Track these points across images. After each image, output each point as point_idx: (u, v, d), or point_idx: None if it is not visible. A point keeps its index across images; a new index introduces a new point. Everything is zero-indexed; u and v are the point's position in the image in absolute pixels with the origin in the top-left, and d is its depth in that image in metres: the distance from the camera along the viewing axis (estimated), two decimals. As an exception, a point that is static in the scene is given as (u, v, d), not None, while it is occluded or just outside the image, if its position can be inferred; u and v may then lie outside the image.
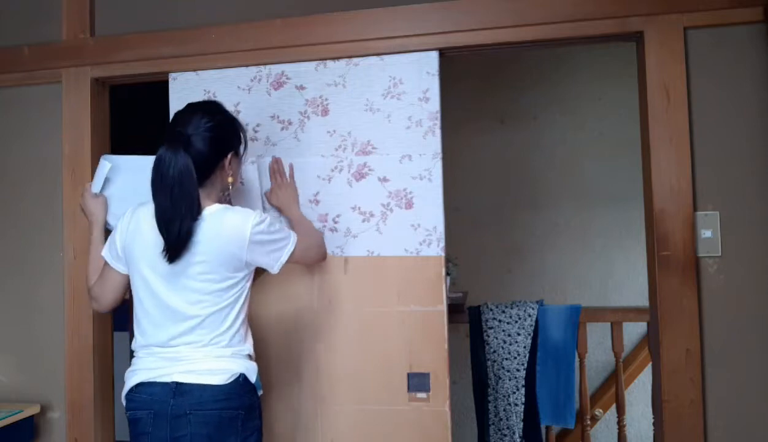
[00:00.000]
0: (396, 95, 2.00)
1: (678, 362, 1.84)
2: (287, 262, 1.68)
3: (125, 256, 1.66)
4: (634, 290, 3.59)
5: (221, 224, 1.57)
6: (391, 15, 2.01)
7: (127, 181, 1.86)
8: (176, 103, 2.13)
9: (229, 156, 1.65)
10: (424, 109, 1.98)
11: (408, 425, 1.95)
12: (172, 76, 2.15)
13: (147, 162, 1.61)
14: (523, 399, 2.69)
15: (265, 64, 2.08)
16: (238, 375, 1.59)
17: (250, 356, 1.67)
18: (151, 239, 1.58)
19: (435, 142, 1.97)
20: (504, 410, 2.70)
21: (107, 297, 1.73)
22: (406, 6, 2.00)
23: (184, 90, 2.13)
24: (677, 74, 1.86)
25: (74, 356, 2.16)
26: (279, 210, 1.97)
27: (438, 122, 1.97)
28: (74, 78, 2.21)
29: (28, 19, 2.30)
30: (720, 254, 1.84)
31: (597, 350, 3.52)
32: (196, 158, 1.55)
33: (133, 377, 1.62)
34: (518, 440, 2.67)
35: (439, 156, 1.97)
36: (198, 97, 2.11)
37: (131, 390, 1.62)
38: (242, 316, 1.65)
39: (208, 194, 1.62)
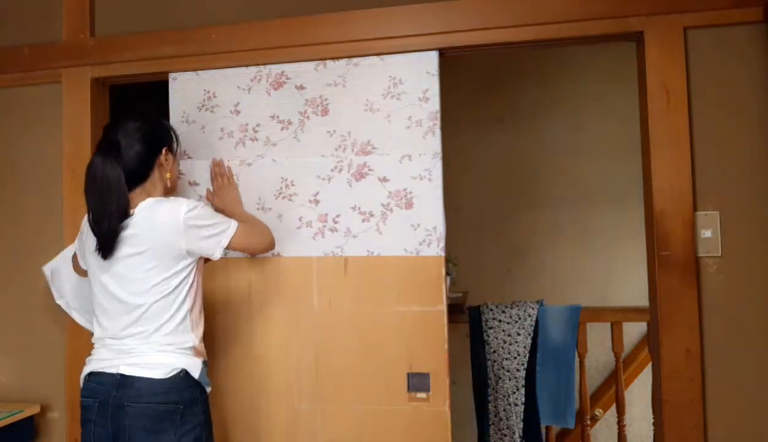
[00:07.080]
0: (396, 95, 2.00)
1: (678, 362, 1.84)
2: (230, 248, 1.73)
3: (83, 258, 1.81)
4: (634, 290, 3.58)
5: (154, 215, 1.65)
6: (391, 15, 2.01)
7: None
8: (176, 103, 2.13)
9: (163, 151, 1.75)
10: (424, 109, 1.98)
11: (408, 425, 1.95)
12: (172, 76, 2.15)
13: None
14: (523, 399, 2.69)
15: (265, 64, 2.08)
16: (179, 370, 1.64)
17: (194, 350, 1.70)
18: (93, 239, 1.68)
19: (435, 142, 1.97)
20: (504, 410, 2.70)
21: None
22: (406, 6, 2.00)
23: (184, 90, 2.13)
24: (677, 74, 1.86)
25: (74, 356, 2.15)
26: (223, 212, 1.96)
27: (438, 122, 1.97)
28: (74, 78, 2.21)
29: (28, 19, 2.30)
30: (720, 254, 1.84)
31: (597, 350, 3.51)
32: (130, 161, 1.67)
33: (86, 367, 1.72)
34: (518, 440, 2.67)
35: (439, 156, 1.97)
36: (198, 97, 2.11)
37: (84, 379, 1.71)
38: (187, 305, 1.69)
39: (149, 193, 1.71)
